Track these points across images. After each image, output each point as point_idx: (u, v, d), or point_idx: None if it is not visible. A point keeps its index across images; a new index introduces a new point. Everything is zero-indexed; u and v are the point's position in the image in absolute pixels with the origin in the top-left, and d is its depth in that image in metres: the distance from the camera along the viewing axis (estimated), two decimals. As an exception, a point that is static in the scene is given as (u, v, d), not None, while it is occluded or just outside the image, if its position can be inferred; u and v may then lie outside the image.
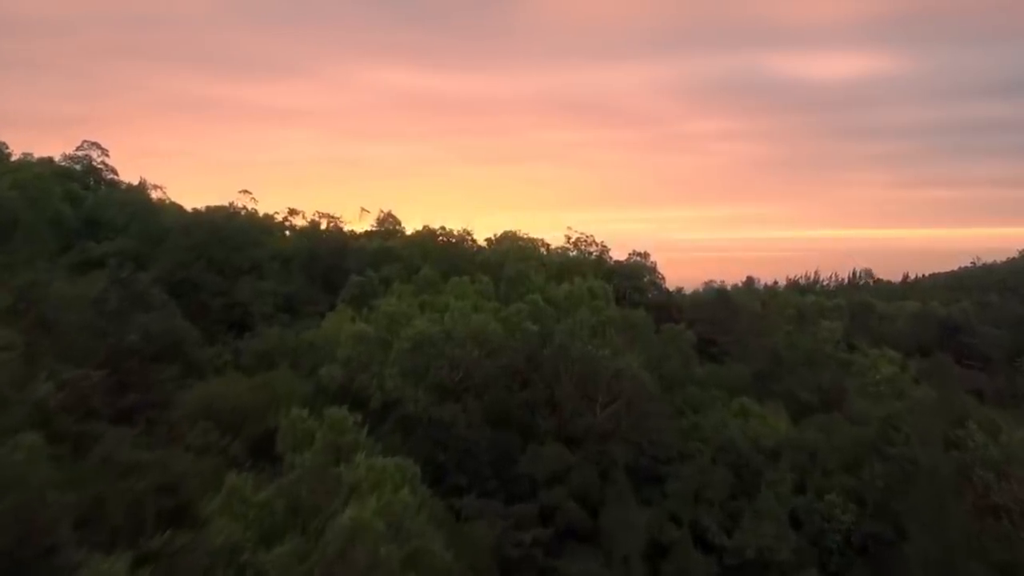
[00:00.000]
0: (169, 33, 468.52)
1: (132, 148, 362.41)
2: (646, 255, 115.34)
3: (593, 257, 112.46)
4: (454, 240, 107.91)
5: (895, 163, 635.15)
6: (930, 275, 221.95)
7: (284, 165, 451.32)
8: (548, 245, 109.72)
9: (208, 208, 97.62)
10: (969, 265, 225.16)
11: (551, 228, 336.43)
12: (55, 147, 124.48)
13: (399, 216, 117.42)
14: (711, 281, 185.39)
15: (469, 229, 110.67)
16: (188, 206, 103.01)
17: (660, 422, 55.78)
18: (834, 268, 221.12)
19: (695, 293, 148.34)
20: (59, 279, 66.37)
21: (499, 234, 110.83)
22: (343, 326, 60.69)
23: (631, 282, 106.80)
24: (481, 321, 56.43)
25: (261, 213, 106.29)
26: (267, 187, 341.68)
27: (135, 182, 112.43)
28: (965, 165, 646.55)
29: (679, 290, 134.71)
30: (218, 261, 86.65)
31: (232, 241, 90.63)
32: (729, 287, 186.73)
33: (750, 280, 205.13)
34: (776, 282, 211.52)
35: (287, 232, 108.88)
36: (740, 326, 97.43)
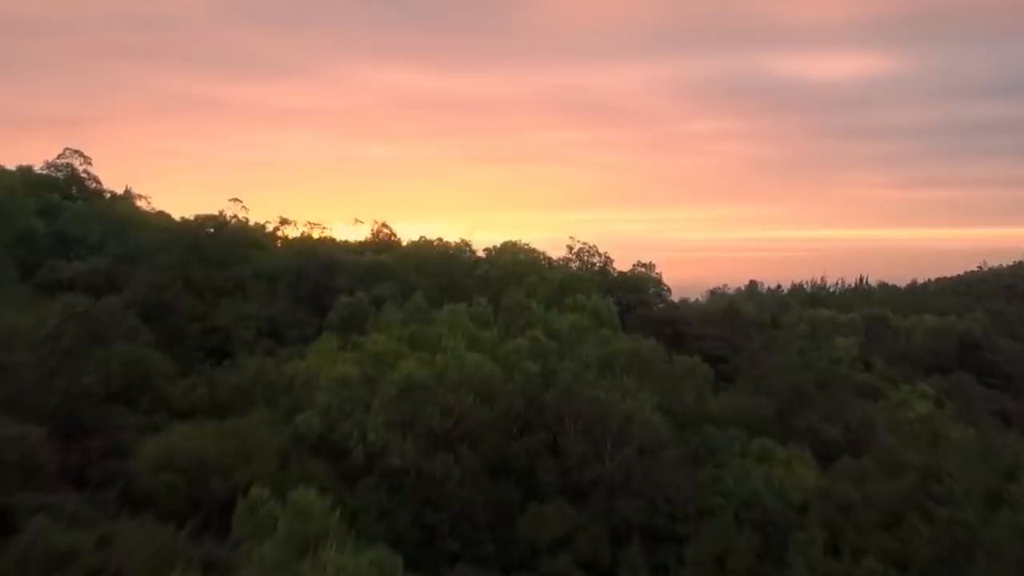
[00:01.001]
0: (169, 33, 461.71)
1: (131, 149, 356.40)
2: (651, 265, 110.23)
3: (596, 268, 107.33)
4: (451, 252, 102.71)
5: (896, 163, 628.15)
6: (936, 279, 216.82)
7: (284, 165, 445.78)
8: (550, 259, 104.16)
9: (197, 217, 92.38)
10: (976, 269, 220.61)
11: (552, 228, 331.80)
12: (54, 149, 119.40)
13: (396, 220, 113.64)
14: (716, 288, 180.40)
15: (467, 239, 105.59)
16: (183, 211, 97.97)
17: (676, 473, 50.16)
18: (836, 268, 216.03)
19: (701, 304, 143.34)
20: (18, 308, 60.87)
21: (498, 245, 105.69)
22: (326, 364, 55.02)
23: (636, 295, 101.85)
24: (476, 362, 50.75)
25: (252, 222, 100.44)
26: (266, 188, 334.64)
27: (126, 187, 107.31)
28: (966, 165, 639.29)
29: (683, 300, 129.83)
30: (197, 281, 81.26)
31: (214, 259, 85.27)
32: (732, 291, 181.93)
33: (753, 284, 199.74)
34: (780, 286, 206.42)
35: (278, 243, 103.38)
36: (752, 344, 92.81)
